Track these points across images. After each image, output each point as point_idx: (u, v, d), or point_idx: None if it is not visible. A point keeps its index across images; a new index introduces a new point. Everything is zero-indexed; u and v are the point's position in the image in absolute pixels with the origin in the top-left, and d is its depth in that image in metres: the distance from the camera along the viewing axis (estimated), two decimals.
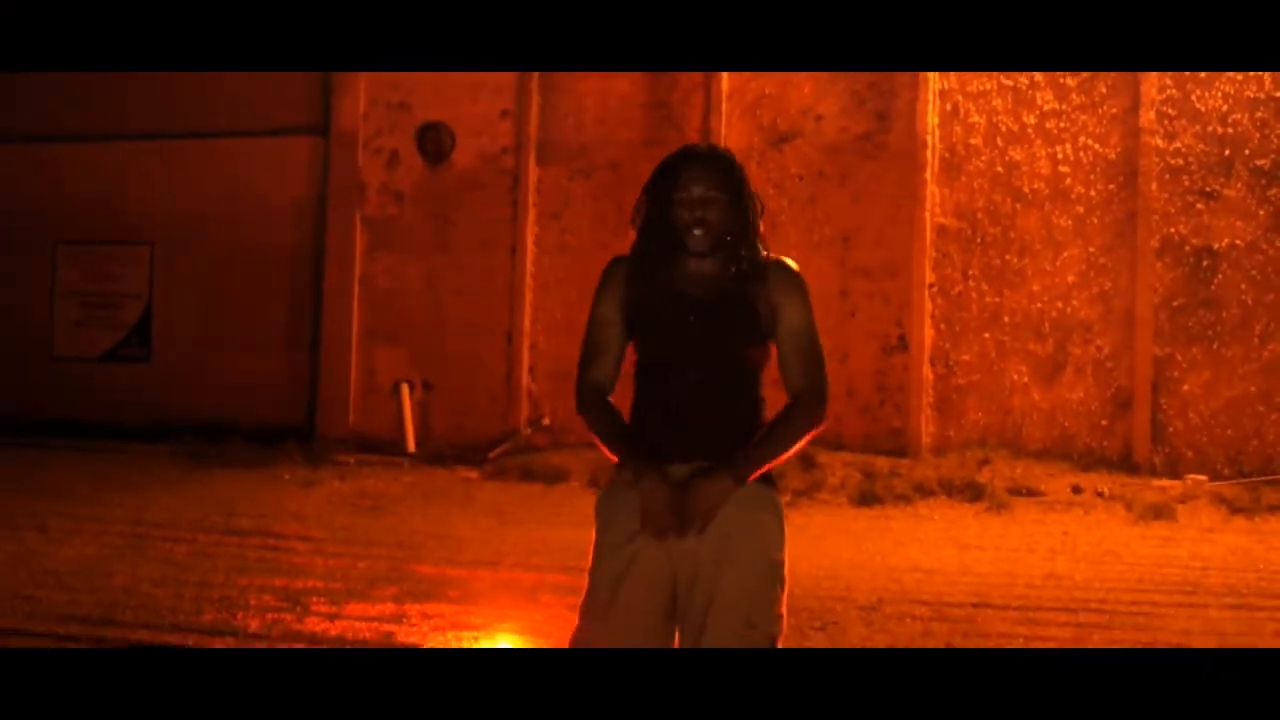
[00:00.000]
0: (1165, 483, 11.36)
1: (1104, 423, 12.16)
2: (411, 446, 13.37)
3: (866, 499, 10.92)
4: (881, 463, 11.90)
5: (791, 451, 3.33)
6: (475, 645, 5.95)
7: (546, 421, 13.27)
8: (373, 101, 14.23)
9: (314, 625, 6.23)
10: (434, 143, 14.03)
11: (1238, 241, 11.97)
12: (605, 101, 13.44)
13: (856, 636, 6.31)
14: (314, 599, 6.82)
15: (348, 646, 5.86)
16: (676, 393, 3.25)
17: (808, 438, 3.32)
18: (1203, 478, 11.50)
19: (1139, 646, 6.10)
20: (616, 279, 3.37)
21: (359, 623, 6.29)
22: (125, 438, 13.90)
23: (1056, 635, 6.37)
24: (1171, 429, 11.98)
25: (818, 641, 6.19)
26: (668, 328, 3.27)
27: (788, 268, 3.35)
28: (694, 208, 3.24)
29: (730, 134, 13.02)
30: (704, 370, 3.23)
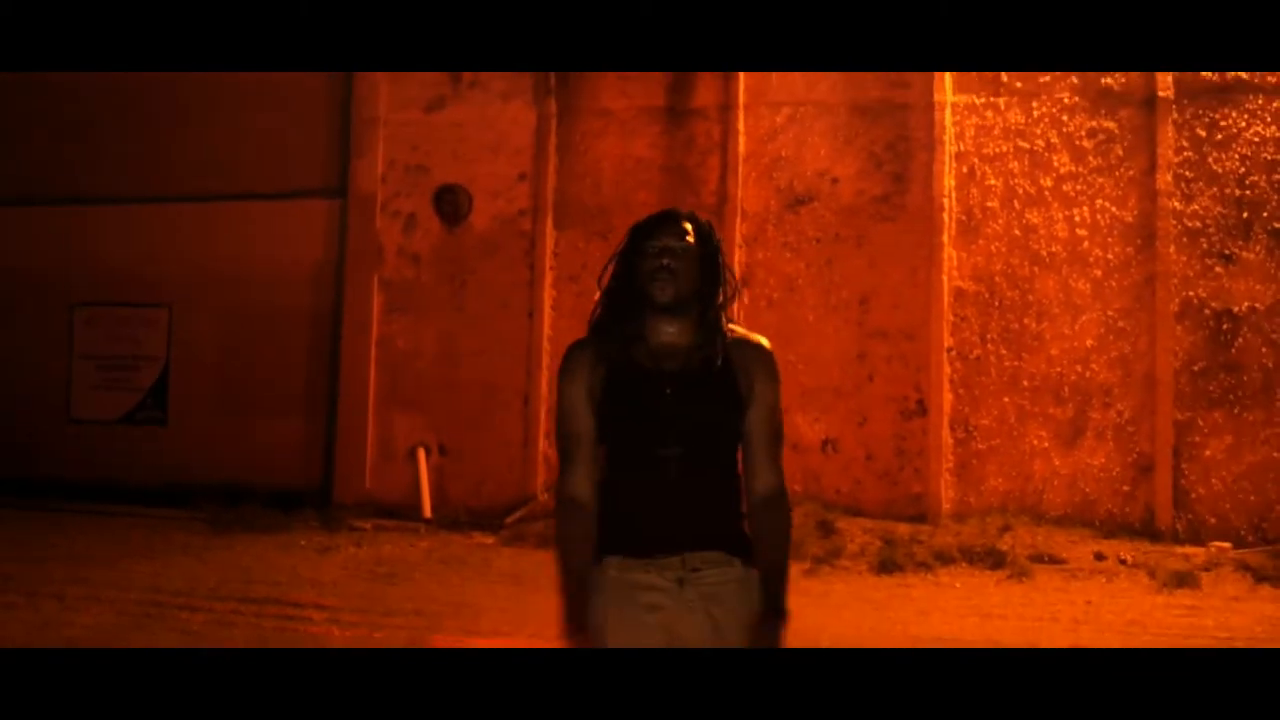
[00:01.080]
0: (1189, 550, 11.25)
1: (1125, 488, 12.07)
2: (428, 512, 13.32)
3: (887, 566, 10.82)
4: (902, 529, 11.81)
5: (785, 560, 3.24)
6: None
7: None
8: (390, 164, 14.30)
9: None
10: (451, 205, 14.08)
11: (1257, 305, 11.92)
12: (622, 164, 13.49)
13: None
14: None
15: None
16: (658, 477, 3.10)
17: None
18: (1226, 545, 11.38)
19: None
20: (580, 363, 3.24)
21: None
22: (143, 501, 13.89)
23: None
24: (1194, 495, 11.88)
25: None
26: (643, 405, 3.12)
27: (763, 346, 3.26)
28: (659, 256, 3.16)
29: (747, 196, 13.05)
30: (686, 449, 3.10)
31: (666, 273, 3.15)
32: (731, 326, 3.27)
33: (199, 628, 7.86)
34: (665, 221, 3.25)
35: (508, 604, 9.10)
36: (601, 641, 3.08)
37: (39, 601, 8.51)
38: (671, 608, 3.08)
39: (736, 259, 12.94)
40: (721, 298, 3.26)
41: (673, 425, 3.10)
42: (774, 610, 3.12)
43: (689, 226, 3.25)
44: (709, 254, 3.25)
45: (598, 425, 3.19)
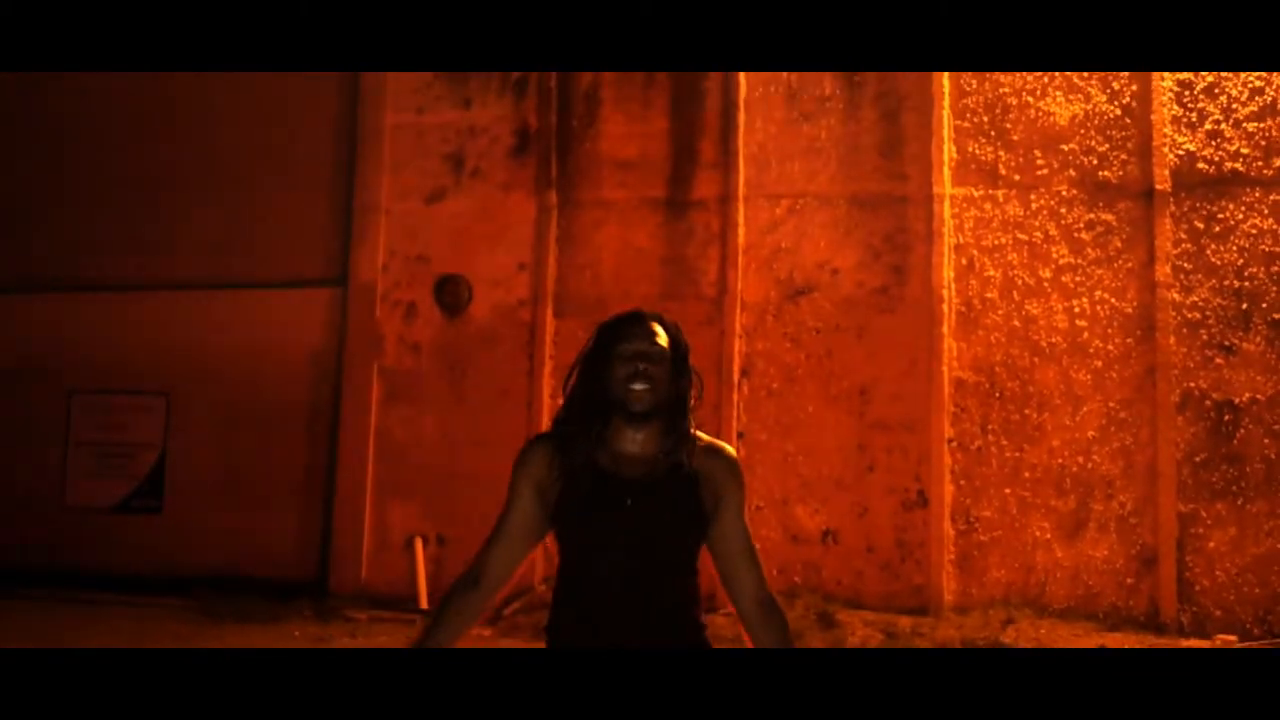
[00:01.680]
0: (1194, 643, 11.11)
1: (1129, 581, 11.96)
2: (424, 603, 13.19)
3: None
4: (903, 621, 11.68)
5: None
6: None
7: None
8: (391, 253, 14.35)
9: None
10: (452, 295, 14.10)
11: (1259, 396, 11.89)
12: (623, 255, 13.53)
13: None
14: None
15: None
16: (613, 585, 3.01)
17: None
18: (1232, 638, 11.25)
19: None
20: (537, 458, 3.17)
21: None
22: (137, 589, 13.77)
23: None
24: (1198, 587, 11.77)
25: None
26: (602, 513, 3.03)
27: (730, 454, 3.16)
28: (637, 360, 3.04)
29: (746, 287, 13.08)
30: (641, 561, 2.99)
31: (644, 379, 3.05)
32: (697, 433, 3.16)
33: None
34: (635, 324, 3.13)
35: None
36: None
37: None
38: None
39: (736, 349, 12.95)
40: (693, 401, 3.17)
41: (632, 536, 3.00)
42: None
43: (659, 329, 3.13)
44: (680, 357, 3.14)
45: (554, 529, 3.15)
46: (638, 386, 3.03)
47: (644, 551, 3.00)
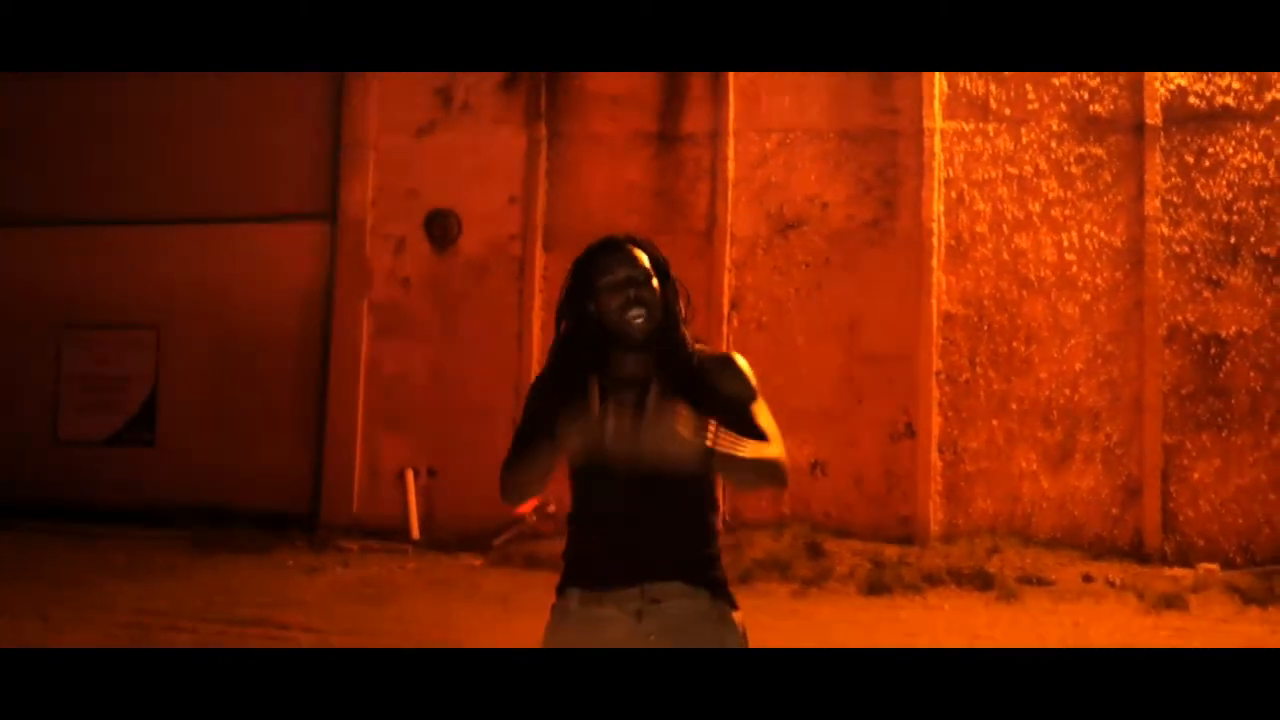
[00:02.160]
0: (1177, 572, 11.24)
1: (1114, 511, 12.07)
2: (416, 534, 13.28)
3: (875, 588, 10.81)
4: (890, 551, 11.79)
5: (750, 461, 2.90)
6: None
7: (551, 509, 13.18)
8: (380, 188, 14.31)
9: None
10: (441, 229, 14.09)
11: (1245, 329, 11.96)
12: (613, 188, 13.51)
13: None
14: None
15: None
16: (619, 507, 2.96)
17: (767, 475, 2.97)
18: (1214, 567, 11.38)
19: None
20: (550, 388, 3.03)
21: None
22: (129, 522, 13.84)
23: None
24: (1182, 517, 11.88)
25: None
26: (606, 437, 2.90)
27: (734, 359, 3.07)
28: (627, 288, 2.96)
29: (737, 221, 13.08)
30: (649, 479, 2.90)
31: (639, 305, 2.95)
32: (699, 346, 3.09)
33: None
34: (614, 251, 3.03)
35: (494, 625, 9.07)
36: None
37: (21, 623, 8.45)
38: (627, 643, 2.92)
39: (726, 282, 12.97)
40: (684, 314, 3.07)
41: (637, 455, 2.89)
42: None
43: (639, 252, 3.04)
44: (662, 273, 3.05)
45: (557, 446, 2.99)
46: (634, 314, 2.95)
47: (646, 471, 2.89)
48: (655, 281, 3.01)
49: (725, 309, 12.99)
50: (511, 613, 9.58)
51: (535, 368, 13.32)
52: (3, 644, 7.72)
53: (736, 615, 3.02)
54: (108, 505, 14.44)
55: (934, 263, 12.57)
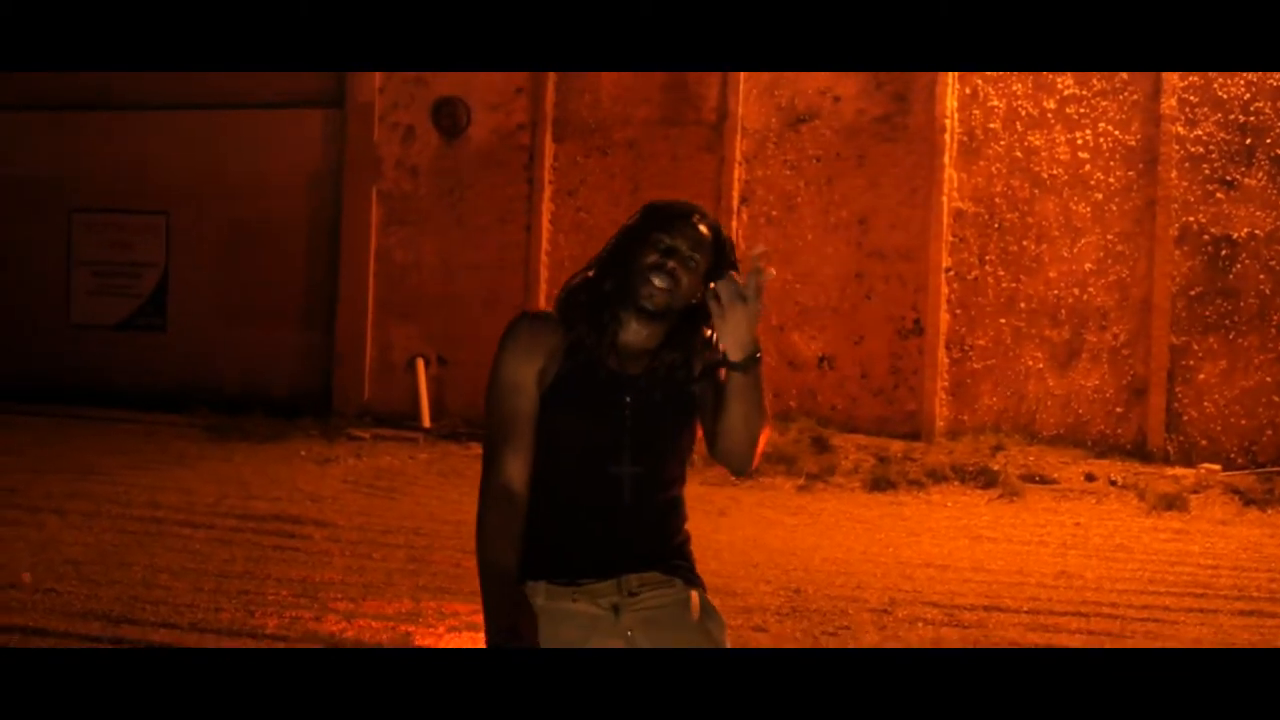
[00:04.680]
0: (1178, 471, 11.36)
1: (1118, 410, 12.17)
2: (427, 422, 13.43)
3: (880, 484, 10.96)
4: (896, 446, 11.93)
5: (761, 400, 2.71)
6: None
7: None
8: (388, 75, 14.18)
9: (331, 625, 6.29)
10: (450, 118, 14.00)
11: (1257, 231, 11.92)
12: (622, 79, 13.38)
13: (868, 642, 6.35)
14: (331, 594, 6.88)
15: (364, 648, 5.93)
16: (607, 495, 2.74)
17: (761, 431, 2.74)
18: (1216, 467, 11.50)
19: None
20: (536, 338, 2.78)
21: (375, 621, 6.35)
22: (143, 407, 14.01)
23: (1067, 644, 6.41)
24: (1186, 418, 11.97)
25: (829, 646, 6.25)
26: (598, 413, 2.74)
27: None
28: (668, 256, 2.73)
29: (748, 114, 12.99)
30: (642, 468, 2.74)
31: (668, 277, 2.73)
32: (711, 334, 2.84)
33: (200, 546, 7.96)
34: (683, 219, 2.80)
35: None
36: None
37: (41, 517, 8.60)
38: (605, 640, 2.72)
39: (736, 176, 12.93)
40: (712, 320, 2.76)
41: (631, 440, 2.74)
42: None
43: (707, 234, 2.80)
44: (720, 263, 2.81)
45: (537, 414, 2.76)
46: (658, 280, 2.72)
47: (639, 459, 2.75)
48: (702, 274, 2.77)
49: (735, 203, 12.95)
50: None
51: (544, 258, 13.38)
52: (26, 541, 7.89)
53: (707, 596, 2.88)
54: (121, 390, 14.61)
55: (945, 159, 12.49)
